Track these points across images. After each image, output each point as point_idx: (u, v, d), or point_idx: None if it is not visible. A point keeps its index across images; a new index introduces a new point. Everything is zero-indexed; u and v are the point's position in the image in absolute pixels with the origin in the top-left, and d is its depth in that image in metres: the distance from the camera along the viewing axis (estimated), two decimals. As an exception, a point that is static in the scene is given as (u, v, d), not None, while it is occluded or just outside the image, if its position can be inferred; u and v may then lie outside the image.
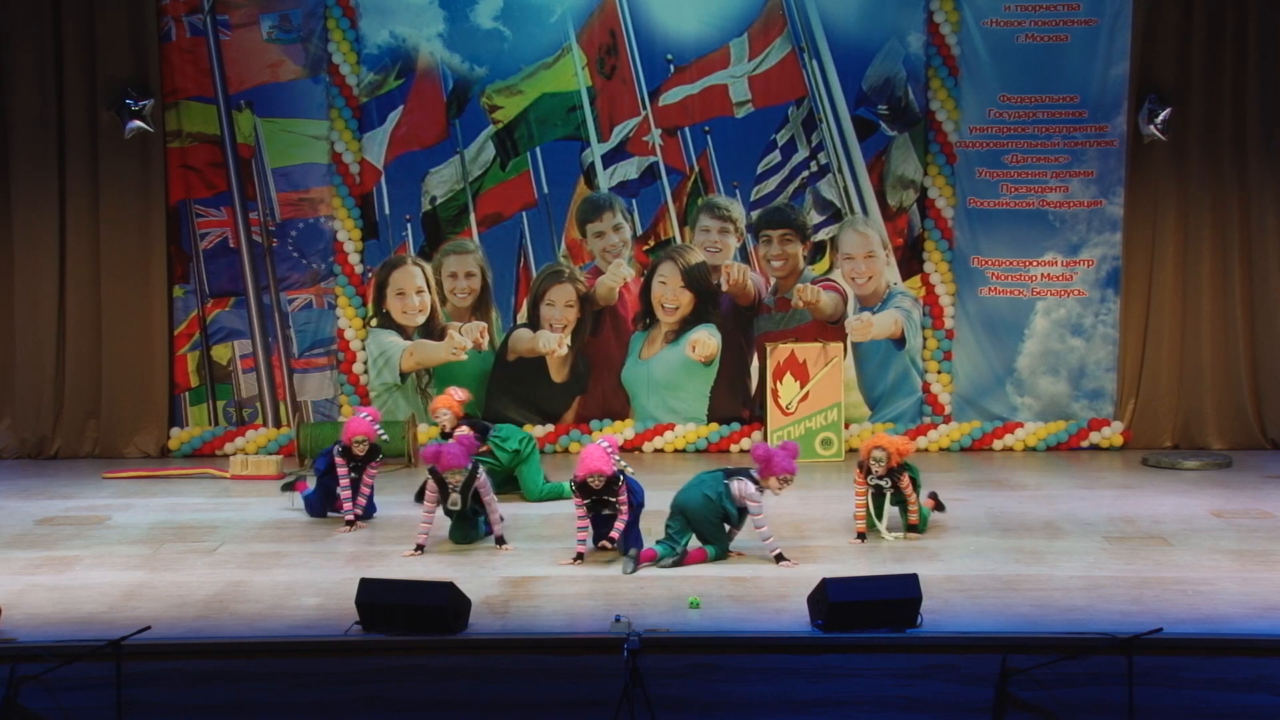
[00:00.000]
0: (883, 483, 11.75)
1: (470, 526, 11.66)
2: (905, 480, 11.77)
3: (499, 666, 9.19)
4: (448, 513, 11.56)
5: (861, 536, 11.67)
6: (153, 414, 15.53)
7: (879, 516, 11.75)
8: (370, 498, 12.46)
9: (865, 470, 11.74)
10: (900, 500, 11.80)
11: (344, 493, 12.22)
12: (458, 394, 13.45)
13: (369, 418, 12.47)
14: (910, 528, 11.81)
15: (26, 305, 15.42)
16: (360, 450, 12.21)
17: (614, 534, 10.97)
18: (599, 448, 11.15)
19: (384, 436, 12.77)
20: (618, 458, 11.31)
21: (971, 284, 15.63)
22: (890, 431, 15.57)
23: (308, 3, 15.37)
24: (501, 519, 11.59)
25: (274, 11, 15.38)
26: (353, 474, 12.26)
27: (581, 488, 11.00)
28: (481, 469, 11.50)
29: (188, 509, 13.20)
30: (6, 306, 15.44)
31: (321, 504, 12.57)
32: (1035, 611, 9.89)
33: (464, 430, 12.88)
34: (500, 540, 11.51)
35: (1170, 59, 15.34)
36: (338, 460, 12.27)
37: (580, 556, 11.05)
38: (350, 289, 15.58)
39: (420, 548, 11.40)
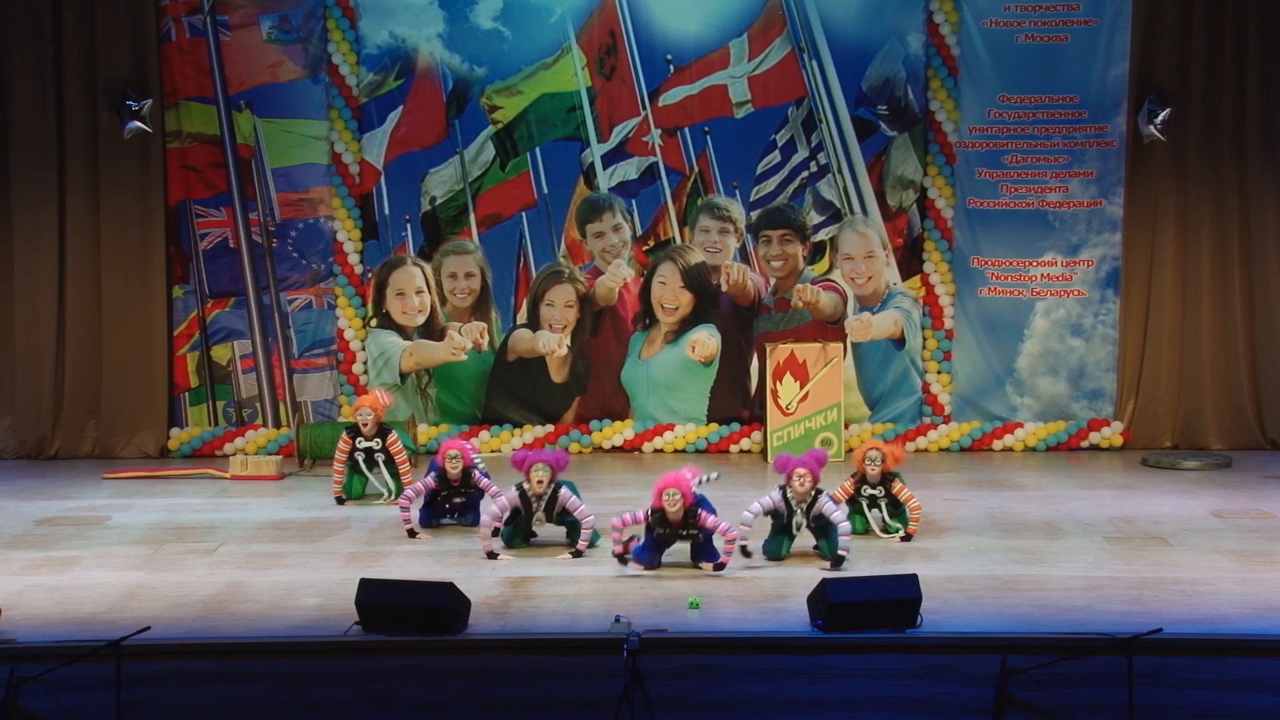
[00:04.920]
0: (876, 491, 11.77)
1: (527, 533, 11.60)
2: (899, 486, 11.75)
3: (499, 666, 9.19)
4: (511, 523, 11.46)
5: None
6: (152, 414, 15.53)
7: (864, 525, 11.79)
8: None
9: (859, 478, 11.77)
10: (897, 504, 11.79)
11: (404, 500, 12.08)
12: (384, 398, 13.38)
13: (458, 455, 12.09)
14: (906, 536, 11.75)
15: (26, 305, 15.42)
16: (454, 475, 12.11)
17: (724, 558, 10.82)
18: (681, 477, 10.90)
19: (479, 461, 12.40)
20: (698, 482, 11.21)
21: (971, 284, 15.63)
22: (889, 433, 15.60)
23: (308, 3, 15.37)
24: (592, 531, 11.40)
25: (274, 12, 15.39)
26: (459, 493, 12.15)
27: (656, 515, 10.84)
28: (564, 487, 11.37)
29: (187, 509, 13.20)
30: (6, 306, 15.45)
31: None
32: (1035, 611, 9.89)
33: (392, 437, 13.07)
34: (578, 553, 11.28)
35: (1170, 59, 15.34)
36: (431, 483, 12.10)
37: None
38: (350, 289, 15.58)
39: (493, 554, 11.29)
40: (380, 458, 13.15)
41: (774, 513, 11.14)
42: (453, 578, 9.90)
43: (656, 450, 15.64)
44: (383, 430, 13.17)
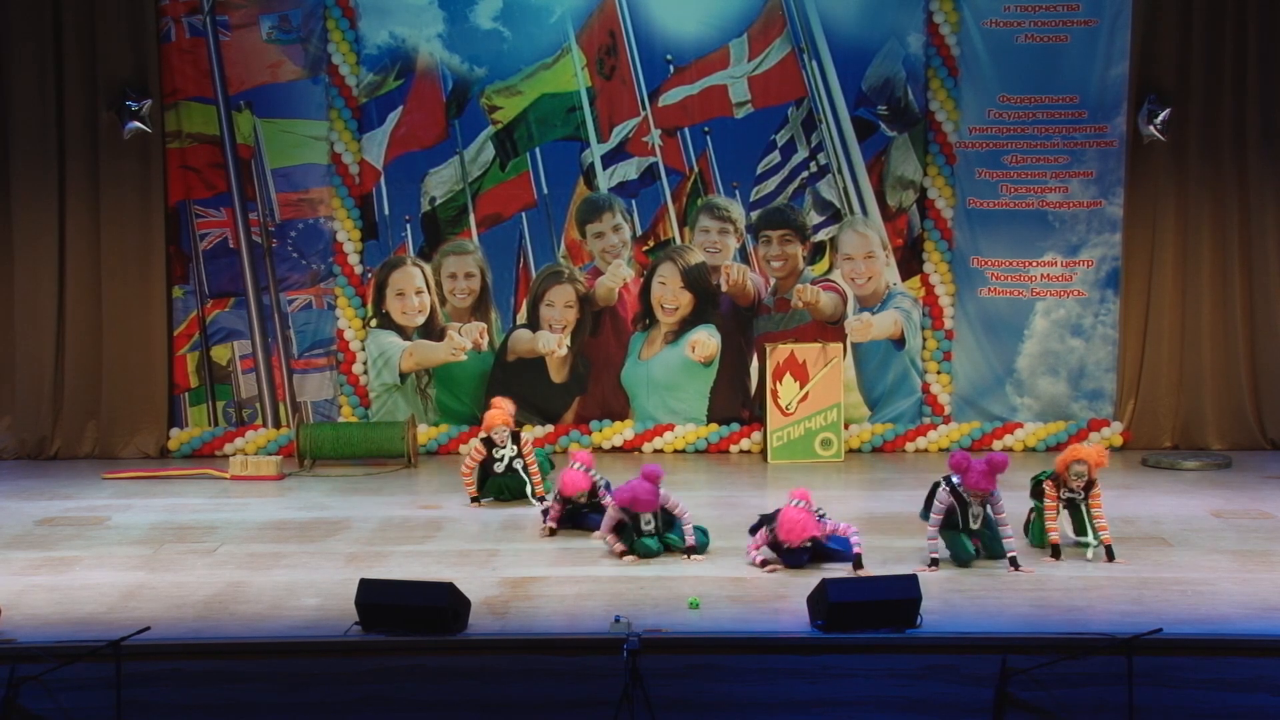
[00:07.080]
0: (1075, 495, 11.34)
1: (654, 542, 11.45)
2: (1097, 493, 11.31)
3: (499, 666, 9.19)
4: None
5: (1056, 551, 11.16)
6: (152, 414, 15.53)
7: (1082, 529, 11.35)
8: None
9: (1059, 484, 11.32)
10: (1088, 514, 11.39)
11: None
12: (508, 405, 13.48)
13: (582, 467, 12.08)
14: (1108, 549, 11.23)
15: (26, 305, 15.42)
16: (583, 500, 12.12)
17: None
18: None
19: (599, 479, 12.27)
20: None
21: (971, 284, 15.63)
22: (890, 432, 15.61)
23: (307, 3, 15.37)
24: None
25: (274, 12, 15.39)
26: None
27: None
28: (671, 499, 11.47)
29: (187, 509, 13.20)
30: (6, 307, 15.45)
31: None
32: (1035, 611, 9.89)
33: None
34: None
35: (1170, 59, 15.33)
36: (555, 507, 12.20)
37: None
38: (350, 289, 15.58)
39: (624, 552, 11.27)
40: (519, 464, 13.22)
41: (948, 510, 10.94)
42: (453, 578, 9.90)
43: (656, 450, 15.64)
44: (515, 436, 13.31)
